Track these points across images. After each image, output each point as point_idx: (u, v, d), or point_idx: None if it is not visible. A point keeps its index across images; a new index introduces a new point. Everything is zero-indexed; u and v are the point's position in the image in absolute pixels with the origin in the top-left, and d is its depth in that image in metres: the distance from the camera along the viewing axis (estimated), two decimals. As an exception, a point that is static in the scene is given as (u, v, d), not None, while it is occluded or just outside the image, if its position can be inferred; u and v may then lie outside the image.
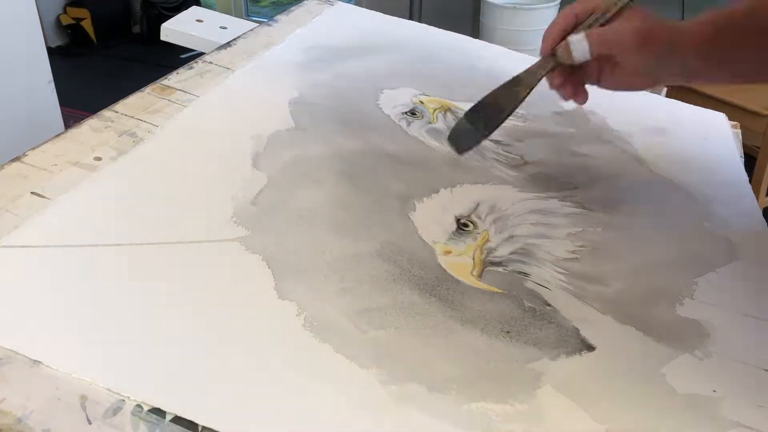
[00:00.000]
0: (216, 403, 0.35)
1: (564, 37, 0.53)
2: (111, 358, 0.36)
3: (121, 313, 0.39)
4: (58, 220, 0.44)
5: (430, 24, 0.88)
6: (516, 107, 0.56)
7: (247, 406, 0.35)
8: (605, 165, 0.63)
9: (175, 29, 1.22)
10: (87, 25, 2.71)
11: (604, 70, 0.54)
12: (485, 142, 0.63)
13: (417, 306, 0.43)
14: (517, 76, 0.56)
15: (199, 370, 0.36)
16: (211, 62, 0.67)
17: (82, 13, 2.71)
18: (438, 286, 0.45)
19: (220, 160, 0.53)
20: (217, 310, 0.40)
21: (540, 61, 0.56)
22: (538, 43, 1.37)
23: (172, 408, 0.34)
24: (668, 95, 1.30)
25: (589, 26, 0.53)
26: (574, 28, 0.53)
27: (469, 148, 0.57)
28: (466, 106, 0.69)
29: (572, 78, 0.56)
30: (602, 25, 0.53)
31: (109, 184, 0.48)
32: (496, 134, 0.65)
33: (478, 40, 0.87)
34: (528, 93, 0.55)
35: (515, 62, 0.80)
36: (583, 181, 0.60)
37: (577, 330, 0.44)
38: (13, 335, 0.36)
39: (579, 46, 0.52)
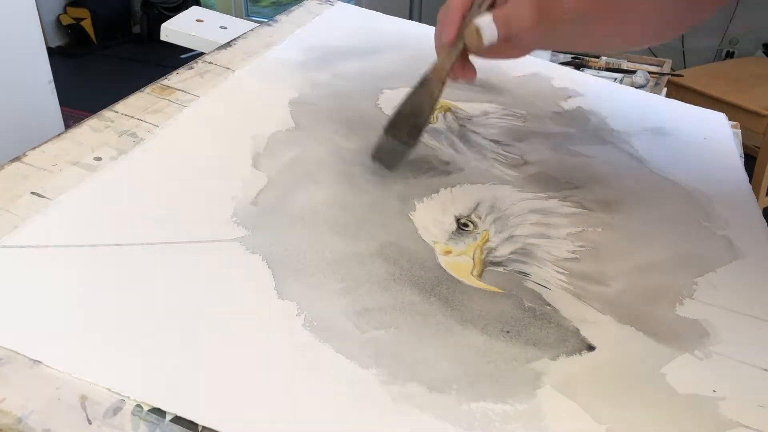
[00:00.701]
0: (216, 403, 0.35)
1: (462, 20, 0.50)
2: (111, 358, 0.36)
3: (121, 313, 0.39)
4: (58, 220, 0.44)
5: (430, 24, 0.88)
6: (434, 107, 0.54)
7: (247, 406, 0.35)
8: (605, 165, 0.63)
9: (175, 29, 1.22)
10: (87, 25, 2.71)
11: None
12: (485, 142, 0.64)
13: (417, 306, 0.43)
14: (425, 76, 0.54)
15: (199, 370, 0.36)
16: (211, 62, 0.67)
17: (82, 13, 2.71)
18: (438, 286, 0.45)
19: (220, 160, 0.53)
20: (217, 310, 0.40)
21: (444, 53, 0.52)
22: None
23: (172, 408, 0.34)
24: (668, 95, 1.30)
25: (481, 4, 0.50)
26: (469, 9, 0.50)
27: (399, 162, 0.55)
28: (466, 106, 0.69)
29: (461, 57, 0.52)
30: (494, 1, 0.50)
31: (109, 184, 0.48)
32: (495, 134, 0.65)
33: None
34: (442, 89, 0.53)
35: (514, 61, 0.80)
36: (583, 181, 0.60)
37: (577, 330, 0.44)
38: (13, 335, 0.36)
39: (489, 31, 0.49)
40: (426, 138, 0.62)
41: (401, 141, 0.54)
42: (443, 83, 0.53)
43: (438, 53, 0.53)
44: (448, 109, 0.67)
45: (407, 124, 0.54)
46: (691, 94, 1.71)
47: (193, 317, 0.39)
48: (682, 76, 1.65)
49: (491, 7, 0.50)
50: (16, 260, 0.40)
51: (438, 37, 0.52)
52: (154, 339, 0.37)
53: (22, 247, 0.41)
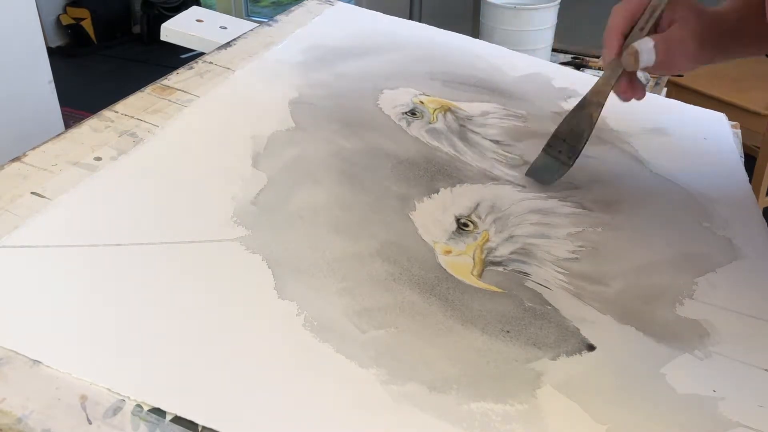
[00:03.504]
0: (216, 403, 0.35)
1: (623, 41, 0.53)
2: (111, 358, 0.36)
3: (120, 313, 0.39)
4: (58, 220, 0.44)
5: (430, 24, 0.87)
6: (592, 129, 0.56)
7: (247, 405, 0.35)
8: (605, 165, 0.63)
9: (175, 29, 1.22)
10: (87, 25, 2.70)
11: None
12: (485, 142, 0.64)
13: (417, 305, 0.43)
14: (585, 98, 0.56)
15: (199, 370, 0.36)
16: (211, 62, 0.67)
17: (82, 13, 2.70)
18: (438, 286, 0.45)
19: (220, 160, 0.53)
20: (217, 310, 0.40)
21: (604, 74, 0.55)
22: (538, 43, 1.37)
23: (172, 408, 0.34)
24: (668, 95, 1.30)
25: (643, 27, 0.52)
26: (631, 30, 0.52)
27: (554, 179, 0.58)
28: (466, 106, 0.69)
29: (627, 76, 0.55)
30: (656, 23, 0.52)
31: (109, 183, 0.48)
32: (495, 134, 0.65)
33: (477, 39, 0.87)
34: (600, 112, 0.55)
35: (514, 61, 0.80)
36: (583, 181, 0.60)
37: (577, 329, 0.44)
38: (13, 335, 0.36)
39: (647, 55, 0.51)
40: (426, 138, 0.62)
41: (559, 160, 0.57)
42: (601, 105, 0.55)
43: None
44: (448, 109, 0.67)
45: (566, 145, 0.56)
46: (691, 94, 1.71)
47: (193, 317, 0.39)
48: (682, 76, 1.65)
49: (653, 30, 0.52)
50: (16, 260, 0.40)
51: (603, 59, 0.55)
52: (153, 339, 0.37)
53: (22, 247, 0.41)
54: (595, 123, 0.55)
